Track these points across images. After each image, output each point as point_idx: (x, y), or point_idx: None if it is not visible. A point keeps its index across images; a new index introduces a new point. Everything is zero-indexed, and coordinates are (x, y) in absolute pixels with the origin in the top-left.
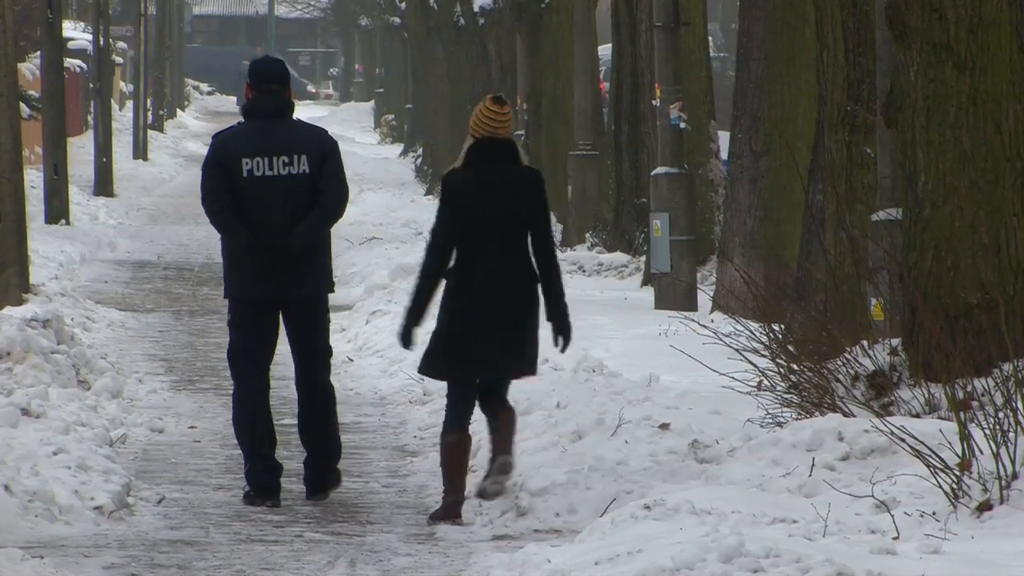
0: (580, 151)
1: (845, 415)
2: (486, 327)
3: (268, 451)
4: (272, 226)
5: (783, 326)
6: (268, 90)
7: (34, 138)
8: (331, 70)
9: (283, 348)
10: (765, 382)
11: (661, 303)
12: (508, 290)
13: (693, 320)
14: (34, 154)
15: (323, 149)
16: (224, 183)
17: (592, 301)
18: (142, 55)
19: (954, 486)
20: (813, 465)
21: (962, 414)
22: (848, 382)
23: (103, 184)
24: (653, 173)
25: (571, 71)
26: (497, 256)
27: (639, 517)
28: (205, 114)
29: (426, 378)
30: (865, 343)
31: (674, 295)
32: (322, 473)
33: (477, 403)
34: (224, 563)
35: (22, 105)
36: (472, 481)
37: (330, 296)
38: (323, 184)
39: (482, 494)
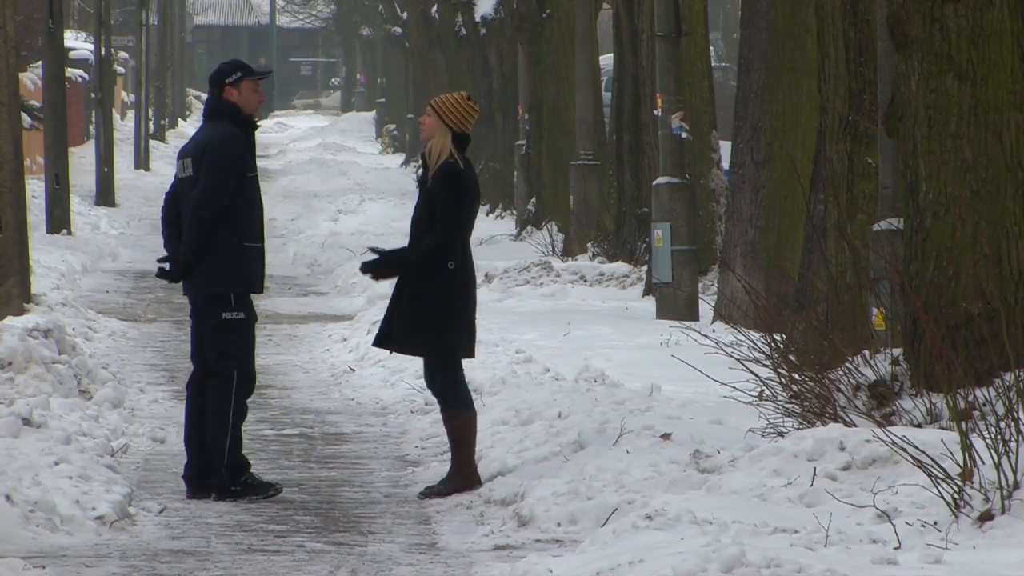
0: (581, 161)
1: (847, 425)
2: (473, 309)
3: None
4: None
5: (784, 336)
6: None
7: (35, 148)
8: (332, 80)
9: (283, 359)
10: (766, 392)
11: (662, 313)
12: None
13: (694, 330)
14: (35, 164)
15: (203, 152)
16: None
17: (593, 311)
18: (143, 65)
19: (955, 496)
20: (815, 475)
21: (963, 424)
22: (850, 392)
23: (104, 194)
24: (655, 183)
25: (572, 81)
26: (469, 242)
27: (640, 527)
28: None
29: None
30: (866, 353)
31: (675, 305)
32: (199, 472)
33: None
34: (225, 573)
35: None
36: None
37: (332, 305)
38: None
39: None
